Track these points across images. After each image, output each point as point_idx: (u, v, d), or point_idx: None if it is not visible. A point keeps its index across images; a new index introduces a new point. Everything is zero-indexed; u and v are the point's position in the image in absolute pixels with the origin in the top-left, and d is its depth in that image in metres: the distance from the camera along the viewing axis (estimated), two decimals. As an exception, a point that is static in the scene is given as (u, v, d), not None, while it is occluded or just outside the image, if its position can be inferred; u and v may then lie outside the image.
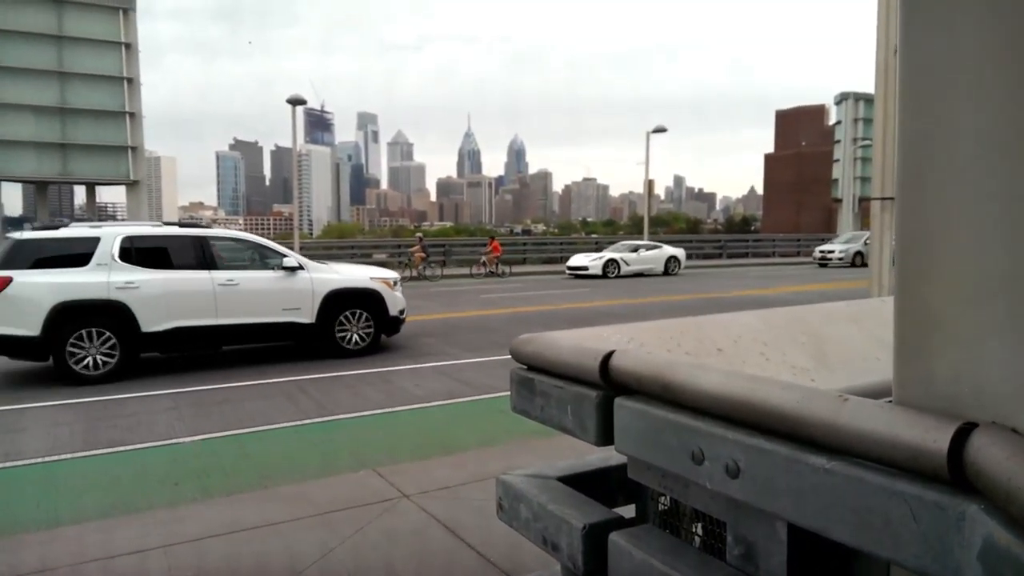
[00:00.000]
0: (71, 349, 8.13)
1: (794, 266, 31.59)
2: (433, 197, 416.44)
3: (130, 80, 29.78)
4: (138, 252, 8.61)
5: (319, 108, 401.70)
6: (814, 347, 2.06)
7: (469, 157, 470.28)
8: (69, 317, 8.15)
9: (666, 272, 25.86)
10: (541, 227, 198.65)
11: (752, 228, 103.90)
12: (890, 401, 1.22)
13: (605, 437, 1.74)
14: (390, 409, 6.83)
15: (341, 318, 9.59)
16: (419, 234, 28.12)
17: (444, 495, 4.31)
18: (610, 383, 1.70)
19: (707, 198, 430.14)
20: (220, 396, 7.44)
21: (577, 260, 25.61)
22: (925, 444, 1.03)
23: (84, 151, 29.22)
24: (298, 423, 6.37)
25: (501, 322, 12.86)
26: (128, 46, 29.72)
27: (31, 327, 7.99)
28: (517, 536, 2.17)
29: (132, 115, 29.81)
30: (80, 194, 41.65)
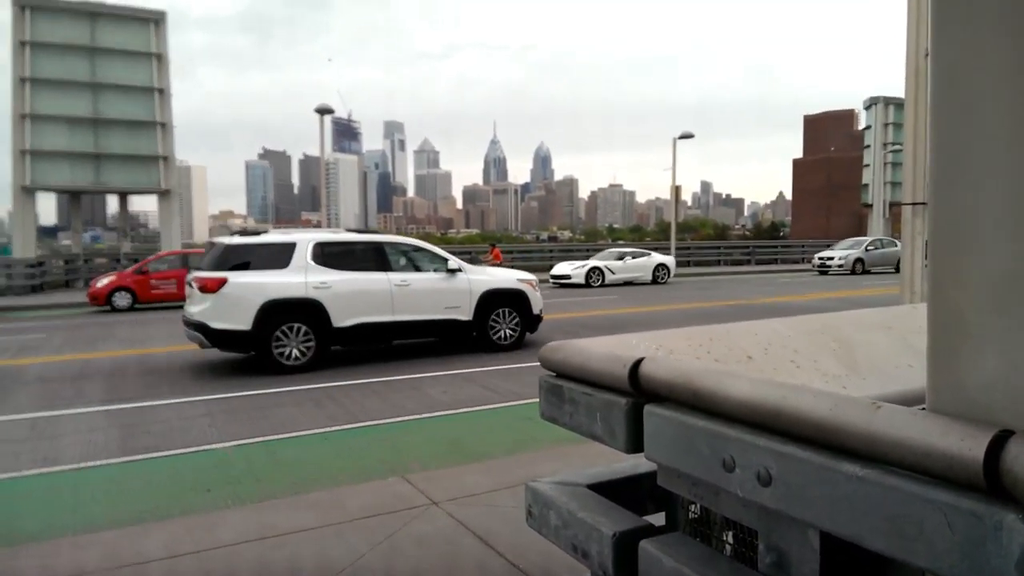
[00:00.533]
0: (276, 342, 9.10)
1: (805, 273, 31.05)
2: (459, 204, 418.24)
3: (161, 91, 30.39)
4: (327, 256, 9.64)
5: (346, 117, 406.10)
6: (845, 354, 2.04)
7: (495, 164, 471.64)
8: (275, 313, 9.14)
9: (654, 281, 24.92)
10: (567, 234, 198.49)
11: (781, 234, 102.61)
12: (923, 408, 1.22)
13: (635, 444, 1.74)
14: (418, 416, 6.87)
15: (493, 316, 10.57)
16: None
17: (473, 502, 4.32)
18: (639, 390, 1.70)
19: (735, 204, 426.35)
20: (251, 403, 7.55)
21: (560, 269, 24.73)
22: (960, 452, 1.02)
23: (117, 161, 29.86)
24: (327, 429, 6.44)
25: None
26: (159, 57, 30.36)
27: (244, 322, 9.03)
28: (547, 543, 2.17)
29: (163, 125, 30.41)
30: (113, 203, 42.53)
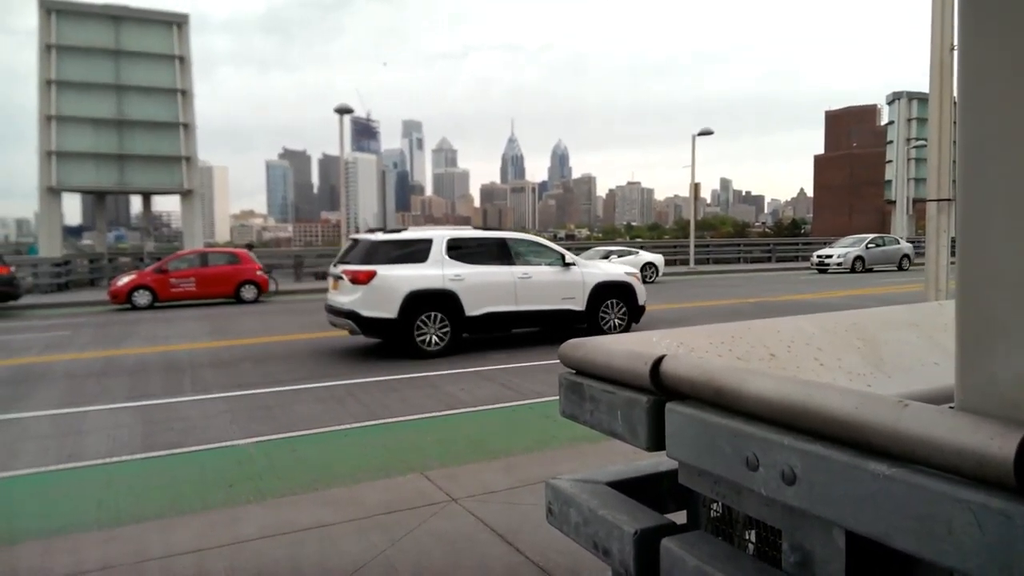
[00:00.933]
0: (417, 329, 9.96)
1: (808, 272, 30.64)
2: (477, 203, 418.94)
3: (184, 92, 30.77)
4: (459, 251, 10.52)
5: (365, 117, 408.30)
6: (871, 352, 2.02)
7: (512, 163, 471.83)
8: (417, 303, 9.98)
9: (642, 280, 24.62)
10: (585, 232, 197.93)
11: (802, 231, 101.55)
12: (952, 407, 1.20)
13: (656, 442, 1.73)
14: (437, 413, 6.90)
15: (603, 306, 11.25)
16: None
17: (492, 499, 4.33)
18: (661, 388, 1.69)
19: (755, 201, 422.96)
20: (273, 399, 7.62)
21: None
22: (990, 451, 1.01)
23: (140, 162, 30.29)
24: (347, 426, 6.48)
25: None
26: (182, 59, 30.73)
27: (391, 311, 9.87)
28: (567, 541, 2.17)
29: (186, 126, 30.79)
30: (136, 203, 43.16)
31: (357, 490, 4.67)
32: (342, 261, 10.64)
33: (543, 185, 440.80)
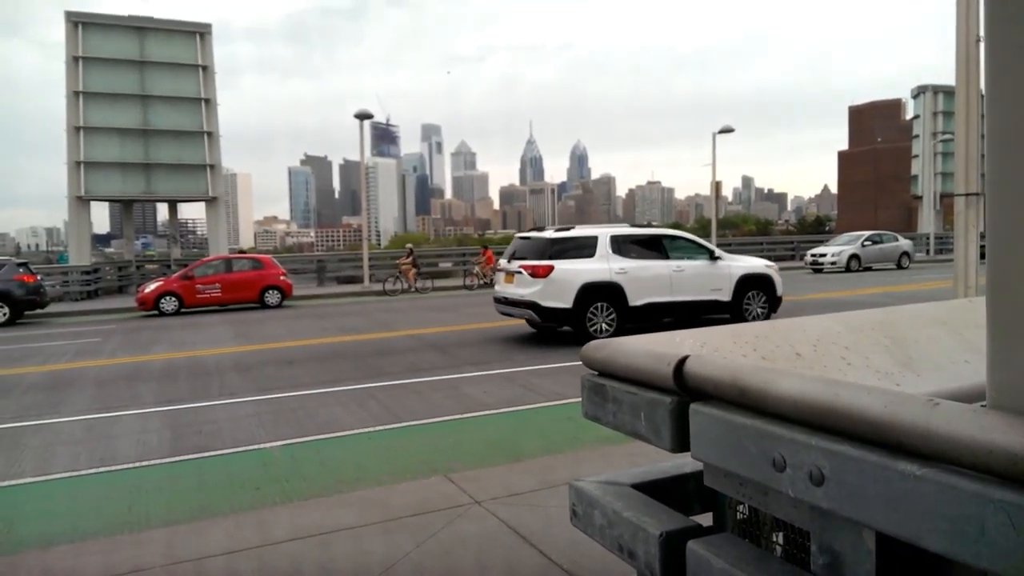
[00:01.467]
0: (589, 318, 10.93)
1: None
2: (496, 205, 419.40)
3: (207, 101, 31.20)
4: (621, 246, 11.47)
5: (385, 121, 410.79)
6: (899, 350, 1.98)
7: (531, 164, 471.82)
8: (589, 294, 10.97)
9: None
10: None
11: (827, 228, 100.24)
12: (983, 405, 1.18)
13: (680, 443, 1.72)
14: (459, 416, 6.91)
15: (746, 297, 12.06)
16: (408, 245, 26.59)
17: (516, 501, 4.33)
18: (685, 388, 1.68)
19: (778, 199, 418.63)
20: (299, 403, 7.69)
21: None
22: (1023, 450, 0.99)
23: (166, 170, 30.76)
24: (371, 429, 6.52)
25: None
26: (205, 68, 31.17)
27: (567, 301, 10.88)
28: (591, 543, 2.16)
29: (210, 134, 31.21)
30: (163, 211, 43.85)
31: (382, 492, 4.70)
32: (514, 257, 11.75)
33: (562, 186, 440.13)
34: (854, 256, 27.41)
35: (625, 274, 11.18)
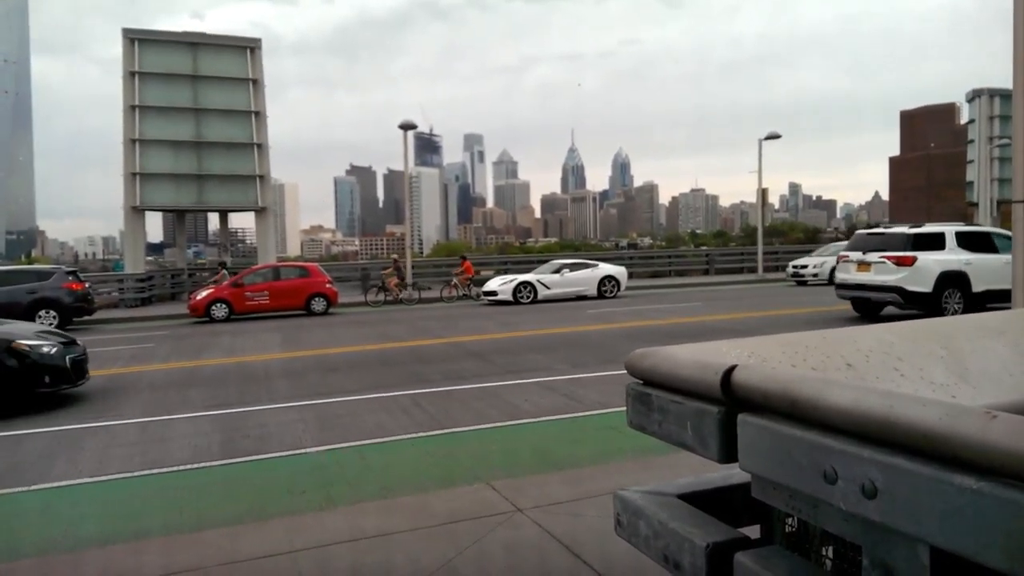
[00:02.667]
0: (944, 302, 12.80)
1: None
2: (538, 214, 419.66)
3: (257, 113, 32.00)
4: (962, 241, 13.41)
5: (428, 132, 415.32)
6: (954, 362, 1.94)
7: (573, 172, 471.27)
8: (945, 281, 12.89)
9: (600, 295, 22.09)
10: (648, 240, 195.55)
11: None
12: None
13: (728, 454, 1.71)
14: (501, 424, 6.93)
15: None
16: (393, 256, 25.85)
17: (558, 510, 4.32)
18: (733, 399, 1.67)
19: (827, 206, 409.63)
20: (344, 408, 7.81)
21: (490, 284, 22.62)
22: None
23: (217, 181, 31.61)
24: (414, 435, 6.58)
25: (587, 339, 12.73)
26: (255, 82, 31.98)
27: (927, 286, 12.84)
28: (634, 553, 2.15)
29: (260, 146, 31.98)
30: (214, 220, 45.13)
31: (424, 498, 4.74)
32: (866, 250, 13.72)
33: (604, 194, 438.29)
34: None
35: (970, 265, 12.98)
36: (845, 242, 28.66)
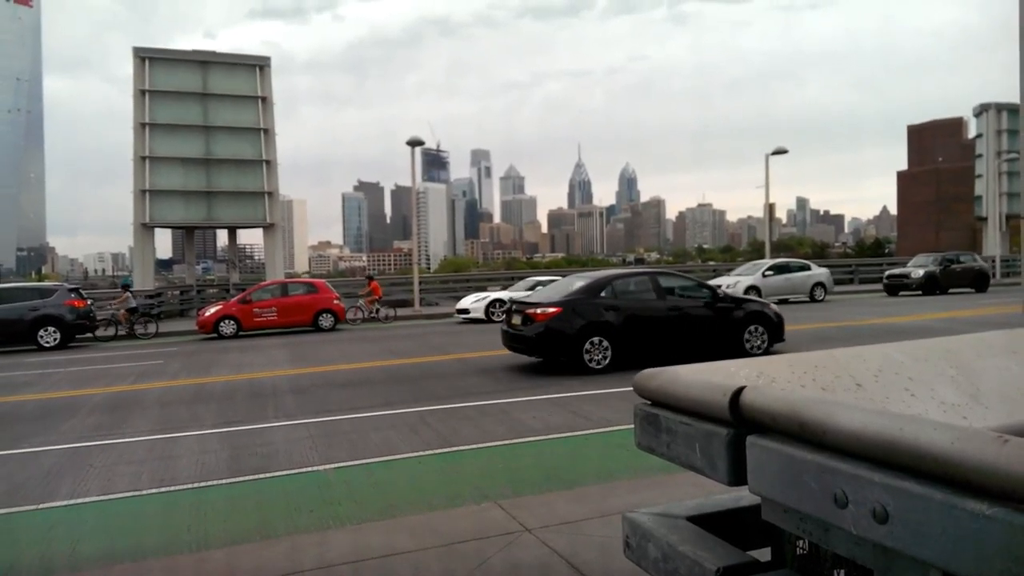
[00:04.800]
0: None
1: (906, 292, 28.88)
2: (544, 229, 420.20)
3: (266, 131, 32.27)
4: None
5: (435, 148, 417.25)
6: (966, 382, 1.92)
7: (580, 188, 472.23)
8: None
9: None
10: (655, 255, 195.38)
11: (886, 251, 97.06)
12: None
13: (737, 476, 1.69)
14: (509, 441, 6.90)
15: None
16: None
17: (566, 530, 4.29)
18: (741, 420, 1.66)
19: (834, 220, 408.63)
20: (350, 426, 7.79)
21: (464, 302, 22.50)
22: None
23: (226, 198, 31.85)
24: (421, 453, 6.56)
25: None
26: (264, 99, 32.29)
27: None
28: (641, 574, 2.13)
29: (268, 163, 32.23)
30: (222, 237, 45.36)
31: (433, 517, 4.72)
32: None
33: (611, 209, 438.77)
34: (753, 288, 23.08)
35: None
36: (763, 262, 27.47)
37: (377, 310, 23.33)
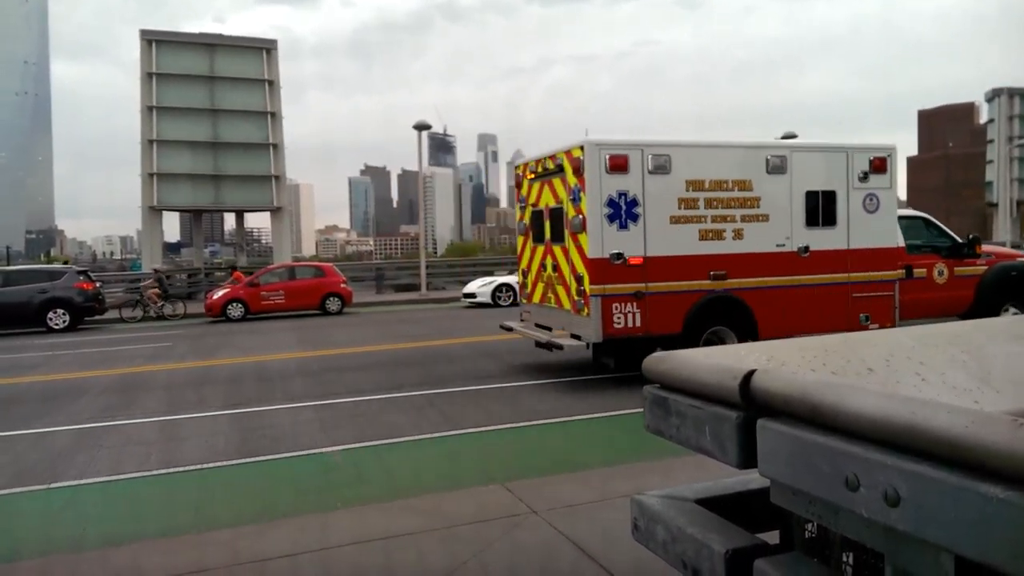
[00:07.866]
0: None
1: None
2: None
3: (273, 114, 32.23)
4: None
5: (442, 132, 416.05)
6: (976, 366, 1.91)
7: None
8: None
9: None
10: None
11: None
12: None
13: (747, 460, 1.69)
14: (516, 424, 6.92)
15: None
16: (155, 267, 24.96)
17: (573, 513, 4.31)
18: (751, 403, 1.65)
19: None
20: (356, 409, 7.83)
21: (470, 286, 22.03)
22: None
23: (234, 181, 31.87)
24: (429, 436, 6.59)
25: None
26: (271, 83, 32.20)
27: None
28: (651, 557, 2.14)
29: (275, 146, 32.21)
30: (230, 220, 45.53)
31: (440, 499, 4.74)
32: None
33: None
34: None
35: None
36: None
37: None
